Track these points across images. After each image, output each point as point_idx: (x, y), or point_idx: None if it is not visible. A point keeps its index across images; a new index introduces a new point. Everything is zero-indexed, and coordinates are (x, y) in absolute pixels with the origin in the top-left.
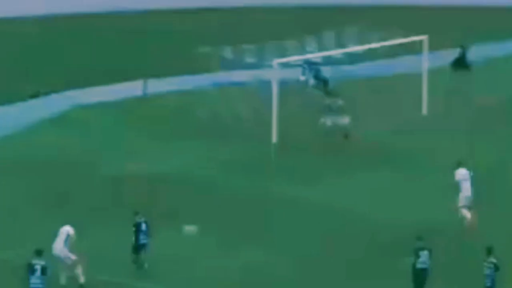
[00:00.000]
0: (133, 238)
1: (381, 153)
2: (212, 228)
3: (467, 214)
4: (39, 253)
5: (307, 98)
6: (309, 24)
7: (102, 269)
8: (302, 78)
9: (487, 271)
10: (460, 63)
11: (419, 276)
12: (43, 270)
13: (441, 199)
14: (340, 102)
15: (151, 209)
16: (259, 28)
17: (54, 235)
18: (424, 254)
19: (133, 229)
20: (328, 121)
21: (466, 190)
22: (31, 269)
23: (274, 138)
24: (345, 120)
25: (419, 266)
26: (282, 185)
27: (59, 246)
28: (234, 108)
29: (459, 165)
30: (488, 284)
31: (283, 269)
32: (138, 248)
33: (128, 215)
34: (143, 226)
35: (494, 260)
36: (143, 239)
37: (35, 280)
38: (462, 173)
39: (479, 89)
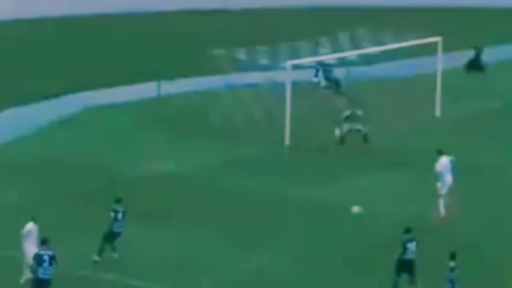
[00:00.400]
0: (110, 226)
1: (395, 154)
2: (225, 229)
3: (441, 207)
4: (44, 242)
5: (320, 99)
6: (323, 25)
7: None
8: (315, 79)
9: (450, 276)
10: (475, 65)
11: (406, 267)
12: (51, 259)
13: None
14: (359, 112)
15: (163, 209)
16: (272, 29)
17: (68, 235)
18: (412, 246)
19: (112, 215)
20: (344, 129)
21: (448, 178)
22: (39, 260)
23: (287, 140)
24: (363, 128)
25: (407, 257)
26: (295, 186)
27: (31, 246)
28: (247, 110)
29: (440, 153)
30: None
31: (295, 270)
32: (112, 236)
33: (141, 215)
34: (120, 215)
35: (453, 265)
36: (118, 228)
37: (43, 270)
38: (443, 163)
39: (492, 91)
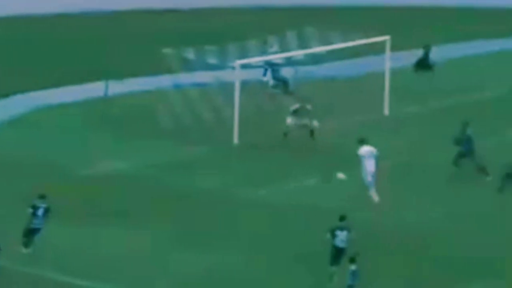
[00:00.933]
0: (28, 221)
1: (343, 153)
2: (174, 228)
3: (374, 195)
4: (42, 196)
5: (268, 99)
6: (271, 24)
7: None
8: (265, 79)
9: (349, 280)
10: (423, 64)
11: (337, 254)
12: (46, 211)
13: (405, 198)
14: (309, 106)
15: (109, 208)
16: (221, 29)
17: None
18: (341, 234)
19: (30, 210)
20: (293, 123)
21: (370, 165)
22: (34, 210)
23: (236, 139)
24: (314, 123)
25: (336, 244)
26: (244, 186)
27: None
28: (196, 109)
29: (361, 142)
30: None
31: (246, 269)
32: (30, 231)
33: (89, 214)
34: (41, 211)
35: (354, 268)
36: (37, 224)
37: (36, 220)
38: (365, 150)
39: (440, 90)
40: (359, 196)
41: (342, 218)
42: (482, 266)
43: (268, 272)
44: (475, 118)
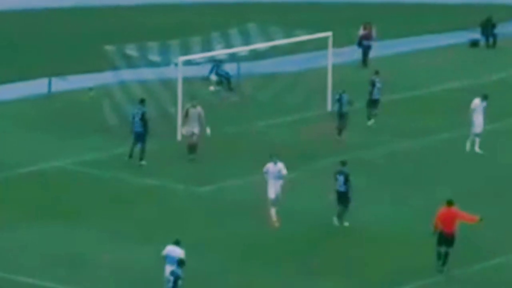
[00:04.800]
0: None
1: (286, 149)
2: (114, 225)
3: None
4: (142, 101)
5: (211, 95)
6: (214, 21)
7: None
8: (212, 77)
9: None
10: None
11: (340, 197)
12: (143, 115)
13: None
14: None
15: (52, 206)
16: (163, 25)
17: None
18: (340, 178)
19: None
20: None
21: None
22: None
23: (179, 136)
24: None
25: (337, 188)
26: (188, 182)
27: None
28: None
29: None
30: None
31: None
32: None
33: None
34: None
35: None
36: None
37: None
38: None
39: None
40: (303, 194)
41: (343, 163)
42: None
43: (220, 266)
44: (418, 112)
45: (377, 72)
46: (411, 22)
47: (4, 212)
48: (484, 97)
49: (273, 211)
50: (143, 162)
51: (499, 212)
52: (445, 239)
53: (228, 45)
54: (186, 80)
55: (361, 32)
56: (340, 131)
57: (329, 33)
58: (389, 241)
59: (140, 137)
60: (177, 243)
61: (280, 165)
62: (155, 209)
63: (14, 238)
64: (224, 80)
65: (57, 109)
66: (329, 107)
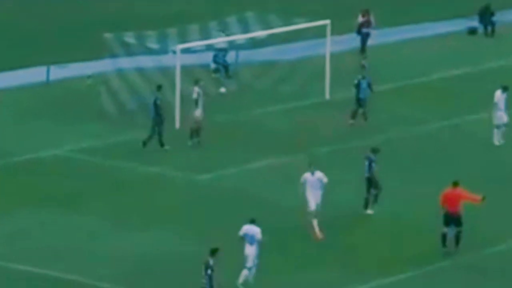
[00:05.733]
0: None
1: (285, 137)
2: (113, 213)
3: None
4: (159, 87)
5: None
6: (212, 9)
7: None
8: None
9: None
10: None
11: (366, 183)
12: (155, 102)
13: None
14: (222, 90)
15: (51, 193)
16: (162, 13)
17: None
18: (366, 164)
19: None
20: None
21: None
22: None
23: (178, 124)
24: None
25: (366, 175)
26: (184, 170)
27: None
28: (137, 94)
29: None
30: None
31: (189, 250)
32: None
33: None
34: None
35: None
36: None
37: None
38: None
39: (377, 74)
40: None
41: (374, 150)
42: None
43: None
44: (418, 100)
45: (364, 77)
46: (409, 10)
47: (2, 200)
48: (505, 89)
49: (315, 223)
50: (167, 147)
51: (504, 198)
52: (452, 218)
53: (227, 33)
54: (184, 68)
55: (360, 19)
56: (354, 115)
57: (327, 21)
58: (391, 228)
59: (154, 123)
60: (252, 221)
61: (319, 174)
62: (153, 196)
63: (13, 225)
64: (222, 68)
65: (55, 97)
66: (327, 95)
